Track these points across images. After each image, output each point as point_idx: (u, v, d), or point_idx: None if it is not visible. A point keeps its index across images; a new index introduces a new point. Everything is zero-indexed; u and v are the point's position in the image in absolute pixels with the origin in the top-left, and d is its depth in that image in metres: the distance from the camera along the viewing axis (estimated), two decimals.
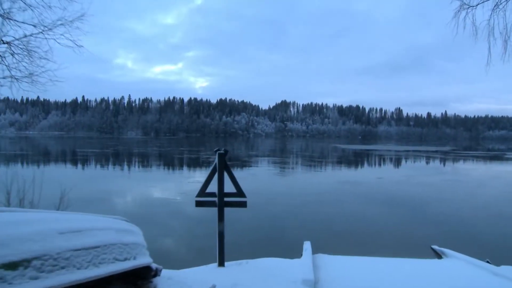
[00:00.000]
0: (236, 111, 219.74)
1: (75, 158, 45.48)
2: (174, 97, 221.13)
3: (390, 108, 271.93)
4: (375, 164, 44.60)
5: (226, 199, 6.85)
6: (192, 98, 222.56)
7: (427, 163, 47.45)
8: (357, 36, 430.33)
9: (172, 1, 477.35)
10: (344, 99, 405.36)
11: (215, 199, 6.82)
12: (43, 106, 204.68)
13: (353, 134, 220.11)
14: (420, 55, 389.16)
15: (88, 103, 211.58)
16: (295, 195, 20.44)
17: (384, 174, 31.75)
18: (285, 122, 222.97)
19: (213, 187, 6.78)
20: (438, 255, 9.91)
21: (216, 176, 6.79)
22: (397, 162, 47.85)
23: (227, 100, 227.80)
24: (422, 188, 24.06)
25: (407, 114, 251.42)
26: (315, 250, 9.43)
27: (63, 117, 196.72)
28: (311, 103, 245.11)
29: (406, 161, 49.45)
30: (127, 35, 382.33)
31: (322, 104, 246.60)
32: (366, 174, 32.79)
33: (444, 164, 45.33)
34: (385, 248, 10.97)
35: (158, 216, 14.91)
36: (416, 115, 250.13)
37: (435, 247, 10.50)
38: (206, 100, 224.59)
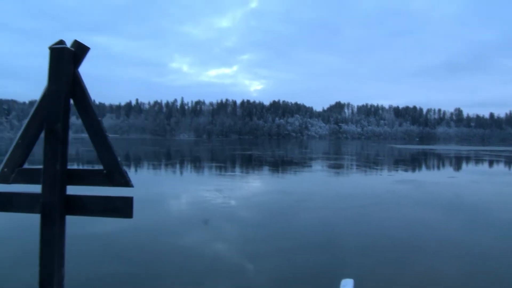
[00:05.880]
0: (290, 113, 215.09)
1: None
2: (226, 100, 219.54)
3: (449, 109, 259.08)
4: (441, 164, 38.80)
5: (69, 191, 2.34)
6: (245, 100, 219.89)
7: (504, 163, 40.89)
8: (413, 36, 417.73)
9: (227, 4, 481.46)
10: (401, 101, 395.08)
11: (38, 190, 2.34)
12: (98, 109, 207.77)
13: (410, 135, 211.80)
14: (480, 53, 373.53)
15: (142, 106, 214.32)
16: (342, 198, 15.85)
17: (457, 174, 26.46)
18: (339, 124, 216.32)
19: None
20: None
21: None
22: (466, 161, 41.66)
23: (280, 102, 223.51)
24: None
25: (468, 114, 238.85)
26: None
27: (117, 120, 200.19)
28: (366, 104, 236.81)
29: (476, 161, 43.00)
30: (183, 39, 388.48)
31: (378, 105, 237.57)
32: (435, 174, 27.53)
33: None
34: None
35: None
36: (477, 115, 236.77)
37: None
38: (259, 102, 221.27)
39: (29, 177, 2.55)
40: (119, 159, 2.48)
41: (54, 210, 2.36)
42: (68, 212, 2.48)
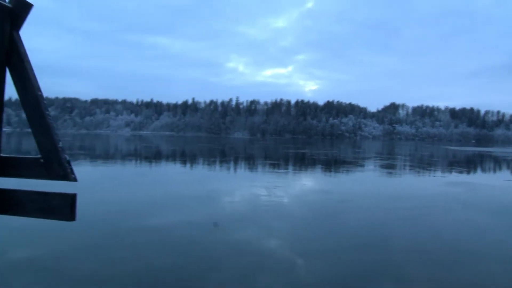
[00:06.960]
0: (344, 113, 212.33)
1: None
2: (281, 99, 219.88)
3: (508, 110, 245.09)
4: (498, 167, 37.07)
5: (7, 184, 1.97)
6: (299, 100, 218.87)
7: None
8: (473, 36, 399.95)
9: (283, 5, 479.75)
10: (457, 102, 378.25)
11: None
12: (156, 108, 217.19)
13: (466, 137, 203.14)
14: None
15: (198, 105, 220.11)
16: (392, 199, 15.86)
17: None
18: (393, 125, 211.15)
19: None
20: None
21: None
22: None
23: (334, 102, 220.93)
24: None
25: None
26: None
27: (173, 118, 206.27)
28: (421, 105, 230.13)
29: None
30: (239, 39, 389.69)
31: (433, 106, 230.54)
32: (491, 177, 26.17)
33: None
34: None
35: None
36: None
37: None
38: (313, 102, 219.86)
39: None
40: (60, 144, 2.01)
41: None
42: None
